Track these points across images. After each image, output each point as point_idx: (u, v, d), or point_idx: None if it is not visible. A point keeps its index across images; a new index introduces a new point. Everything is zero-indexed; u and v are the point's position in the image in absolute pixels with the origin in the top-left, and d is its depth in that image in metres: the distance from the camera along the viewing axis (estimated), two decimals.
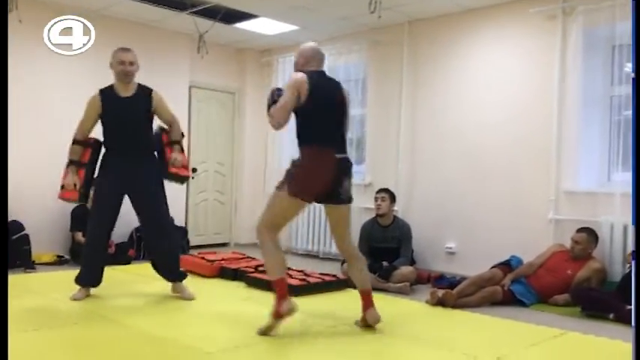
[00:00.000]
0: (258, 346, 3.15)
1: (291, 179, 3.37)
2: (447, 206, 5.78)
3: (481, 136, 5.58)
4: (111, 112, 4.10)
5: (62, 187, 4.14)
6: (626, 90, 4.63)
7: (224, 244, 7.51)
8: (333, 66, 6.29)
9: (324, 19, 6.11)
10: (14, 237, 5.13)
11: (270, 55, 7.54)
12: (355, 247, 3.73)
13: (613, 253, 4.65)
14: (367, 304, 3.52)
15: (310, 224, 6.85)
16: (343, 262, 5.17)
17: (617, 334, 3.52)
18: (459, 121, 5.75)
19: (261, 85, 7.64)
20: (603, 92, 5.04)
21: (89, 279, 4.16)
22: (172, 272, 4.30)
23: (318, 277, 4.82)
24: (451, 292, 4.25)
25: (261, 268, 5.09)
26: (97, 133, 4.25)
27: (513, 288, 4.42)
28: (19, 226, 5.21)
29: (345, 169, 3.45)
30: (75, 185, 4.10)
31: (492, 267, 4.62)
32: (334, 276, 4.94)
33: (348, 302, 4.26)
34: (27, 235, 5.26)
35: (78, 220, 5.75)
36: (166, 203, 4.25)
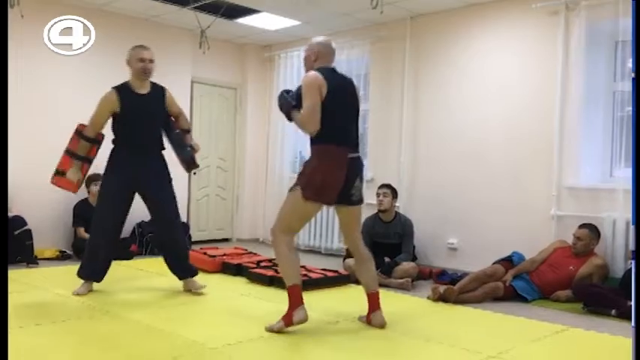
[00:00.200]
0: (261, 341, 3.16)
1: (306, 183, 3.28)
2: (449, 202, 5.78)
3: (483, 131, 5.57)
4: (129, 109, 4.08)
5: (58, 172, 4.14)
6: (629, 86, 4.61)
7: (226, 240, 7.52)
8: (336, 61, 6.23)
9: (326, 14, 6.10)
10: (17, 232, 5.14)
11: (272, 50, 7.52)
12: (365, 247, 3.64)
13: (615, 249, 4.65)
14: (374, 306, 3.51)
15: (312, 220, 6.84)
16: (345, 257, 5.19)
17: (619, 331, 3.53)
18: (461, 116, 5.74)
19: (263, 81, 7.64)
20: (606, 88, 5.03)
21: (91, 273, 4.17)
22: (185, 268, 4.32)
23: (320, 273, 4.83)
24: (453, 287, 4.25)
25: (263, 264, 5.11)
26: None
27: (515, 284, 4.43)
28: (21, 222, 5.22)
29: (357, 169, 3.38)
30: (77, 181, 4.14)
31: (494, 263, 4.63)
32: (336, 272, 4.94)
33: (350, 298, 4.28)
34: (29, 231, 5.26)
35: (80, 215, 5.77)
36: (176, 200, 4.28)
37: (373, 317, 3.49)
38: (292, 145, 7.18)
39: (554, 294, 4.39)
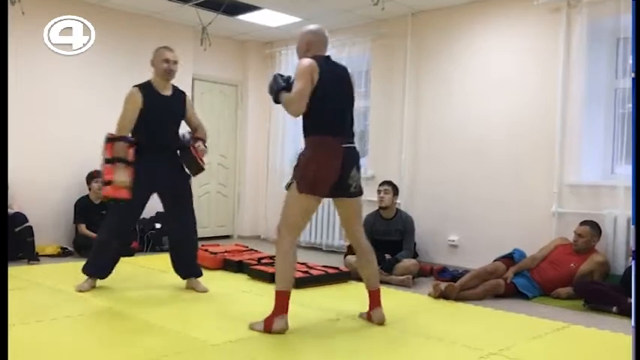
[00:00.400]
0: (262, 338, 3.16)
1: (300, 176, 3.25)
2: (450, 199, 5.78)
3: (484, 128, 5.57)
4: (152, 110, 4.05)
5: (108, 182, 3.93)
6: (630, 83, 4.60)
7: (227, 237, 7.52)
8: (336, 58, 6.22)
9: (327, 11, 6.09)
10: (18, 229, 5.14)
11: (273, 47, 7.52)
12: (367, 241, 3.58)
13: (616, 246, 4.65)
14: (374, 303, 3.50)
15: (313, 217, 6.84)
16: (346, 254, 5.19)
17: (620, 328, 3.53)
18: (462, 113, 5.74)
19: (264, 77, 7.61)
20: (607, 85, 5.02)
21: (98, 270, 4.16)
22: (191, 268, 4.32)
23: (321, 270, 4.83)
24: (454, 284, 4.26)
25: (264, 261, 5.11)
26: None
27: (516, 281, 4.43)
28: (22, 218, 5.21)
29: (352, 158, 3.33)
30: (125, 185, 3.93)
31: (495, 260, 4.62)
32: (337, 268, 4.95)
33: (351, 295, 4.29)
34: (30, 227, 5.25)
35: (81, 212, 5.78)
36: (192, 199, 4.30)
37: (374, 314, 3.49)
38: (293, 141, 7.17)
39: (555, 291, 4.39)
